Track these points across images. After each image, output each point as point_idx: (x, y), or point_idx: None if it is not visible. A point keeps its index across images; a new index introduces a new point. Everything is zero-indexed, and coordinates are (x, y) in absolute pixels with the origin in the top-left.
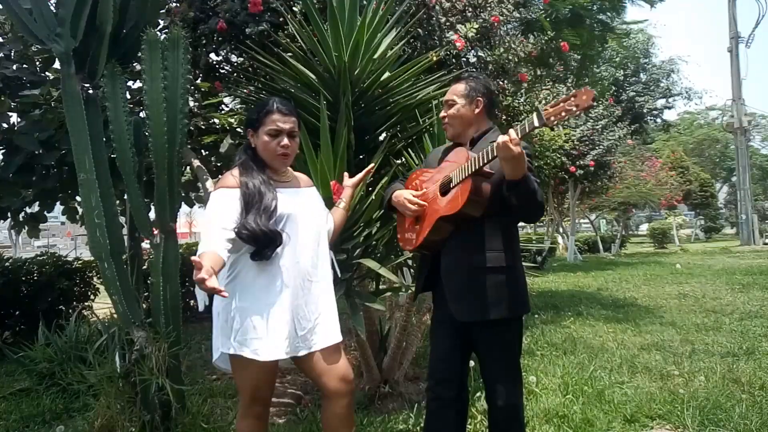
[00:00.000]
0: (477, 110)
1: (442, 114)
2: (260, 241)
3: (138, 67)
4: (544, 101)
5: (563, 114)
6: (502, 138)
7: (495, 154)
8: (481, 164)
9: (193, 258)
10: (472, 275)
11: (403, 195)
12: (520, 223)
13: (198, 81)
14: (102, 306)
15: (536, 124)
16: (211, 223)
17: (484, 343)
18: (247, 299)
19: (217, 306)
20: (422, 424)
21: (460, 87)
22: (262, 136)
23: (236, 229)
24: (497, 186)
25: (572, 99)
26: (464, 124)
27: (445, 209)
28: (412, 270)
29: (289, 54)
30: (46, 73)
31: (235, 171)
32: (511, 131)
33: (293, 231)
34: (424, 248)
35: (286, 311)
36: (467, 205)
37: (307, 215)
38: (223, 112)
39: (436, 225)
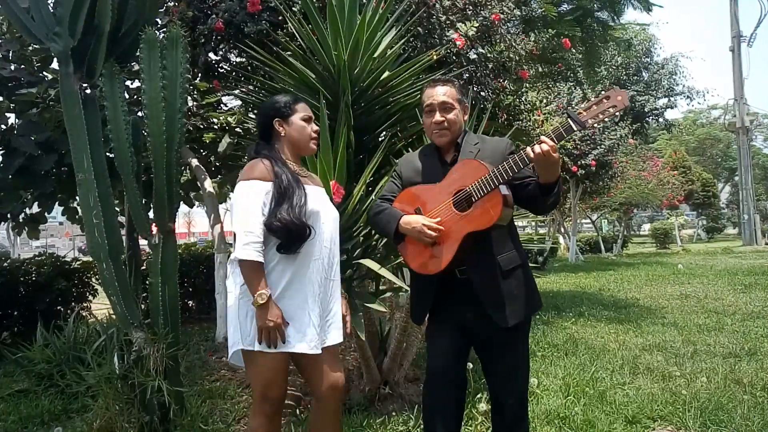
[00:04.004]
0: (466, 116)
1: (439, 118)
2: (291, 234)
3: (136, 67)
4: (545, 100)
5: (600, 116)
6: (542, 147)
7: (526, 162)
8: (511, 174)
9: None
10: (505, 279)
11: (420, 222)
12: (519, 223)
13: (197, 80)
14: (100, 307)
15: (574, 128)
16: (248, 217)
17: (499, 342)
18: (281, 296)
19: (233, 302)
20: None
21: (453, 91)
22: (298, 122)
23: (267, 221)
24: (515, 189)
25: (605, 101)
26: (459, 130)
27: (476, 224)
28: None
29: (289, 53)
30: (44, 72)
31: (266, 161)
32: (546, 139)
33: (317, 228)
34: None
35: (311, 305)
36: (502, 216)
37: (326, 214)
38: (221, 111)
39: (463, 242)
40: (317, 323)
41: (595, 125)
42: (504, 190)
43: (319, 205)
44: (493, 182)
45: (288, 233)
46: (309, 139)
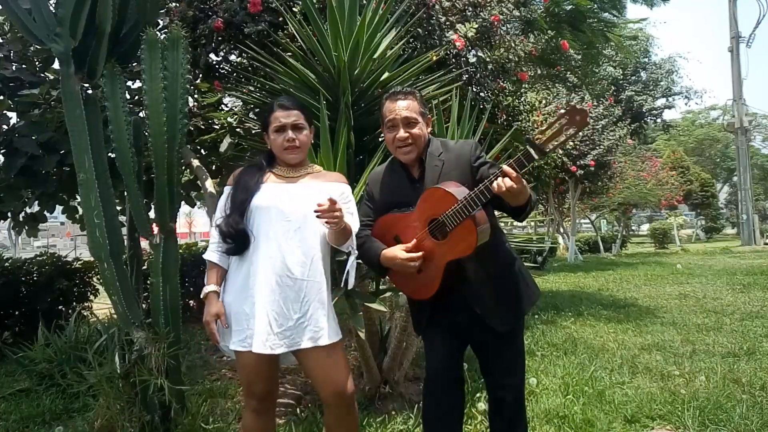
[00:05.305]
0: (429, 128)
1: (404, 134)
2: (228, 239)
3: (137, 67)
4: (543, 101)
5: (561, 139)
6: (505, 182)
7: (493, 192)
8: (479, 204)
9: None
10: (496, 284)
11: (398, 256)
12: (519, 223)
13: (197, 81)
14: (101, 306)
15: (536, 156)
16: (213, 222)
17: (497, 342)
18: (230, 293)
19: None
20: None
21: (415, 105)
22: (271, 134)
23: (216, 226)
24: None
25: (563, 120)
26: (424, 144)
27: (455, 253)
28: None
29: (289, 54)
30: (46, 73)
31: (240, 169)
32: (508, 170)
33: (262, 224)
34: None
35: (260, 306)
36: (479, 239)
37: (291, 210)
38: (222, 111)
39: (447, 268)
40: (265, 324)
41: (554, 150)
42: (475, 210)
43: (279, 200)
44: (463, 213)
45: (227, 239)
46: (281, 150)
